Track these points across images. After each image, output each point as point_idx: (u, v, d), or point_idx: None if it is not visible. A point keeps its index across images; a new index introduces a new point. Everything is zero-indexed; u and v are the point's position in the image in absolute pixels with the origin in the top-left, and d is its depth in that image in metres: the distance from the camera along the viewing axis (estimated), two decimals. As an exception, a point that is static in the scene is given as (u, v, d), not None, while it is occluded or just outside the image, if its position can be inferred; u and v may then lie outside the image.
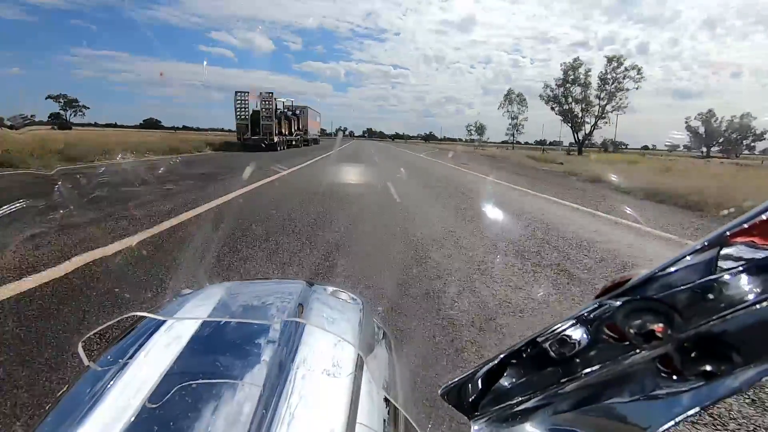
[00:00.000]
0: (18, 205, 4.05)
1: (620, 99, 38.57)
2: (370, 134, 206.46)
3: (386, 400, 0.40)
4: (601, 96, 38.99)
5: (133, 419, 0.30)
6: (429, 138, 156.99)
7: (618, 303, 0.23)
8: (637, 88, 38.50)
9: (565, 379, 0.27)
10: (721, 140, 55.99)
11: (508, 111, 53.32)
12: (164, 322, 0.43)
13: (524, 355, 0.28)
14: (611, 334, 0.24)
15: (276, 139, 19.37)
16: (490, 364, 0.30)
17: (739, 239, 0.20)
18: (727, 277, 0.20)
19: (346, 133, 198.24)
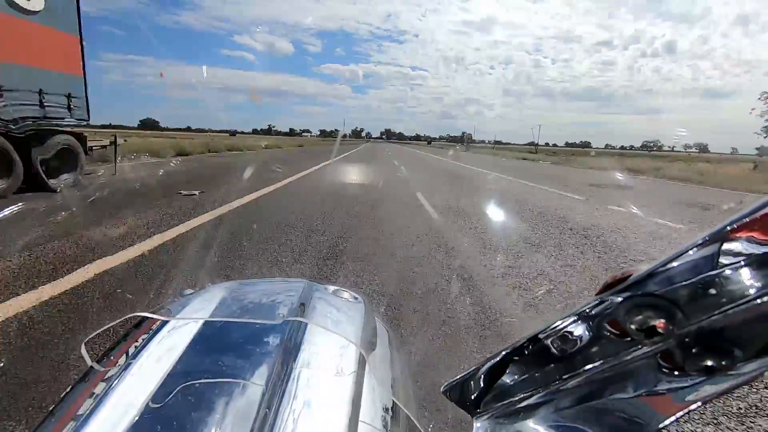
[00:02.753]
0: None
1: None
2: (389, 136, 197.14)
3: (389, 398, 0.40)
4: None
5: (136, 419, 0.30)
6: (463, 140, 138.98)
7: (619, 299, 0.23)
8: None
9: (567, 376, 0.27)
10: None
11: None
12: (167, 322, 0.43)
13: (526, 352, 0.28)
14: (613, 330, 0.24)
15: None
16: (492, 361, 0.29)
17: (740, 234, 0.20)
18: (728, 272, 0.20)
19: (363, 134, 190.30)
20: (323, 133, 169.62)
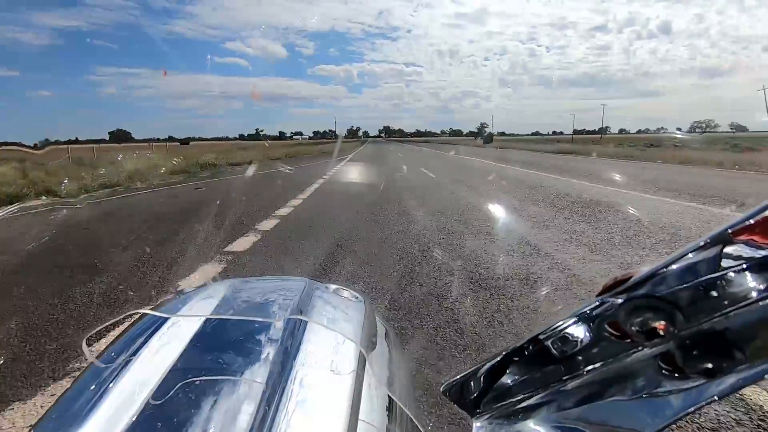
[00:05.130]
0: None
1: None
2: (387, 133, 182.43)
3: (388, 397, 0.40)
4: None
5: (136, 416, 0.30)
6: (481, 134, 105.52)
7: (620, 300, 0.23)
8: None
9: (567, 377, 0.27)
10: None
11: None
12: (167, 319, 0.43)
13: (526, 353, 0.28)
14: (613, 331, 0.24)
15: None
16: (493, 361, 0.29)
17: (741, 237, 0.20)
18: (729, 274, 0.20)
19: (359, 134, 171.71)
20: (316, 134, 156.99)
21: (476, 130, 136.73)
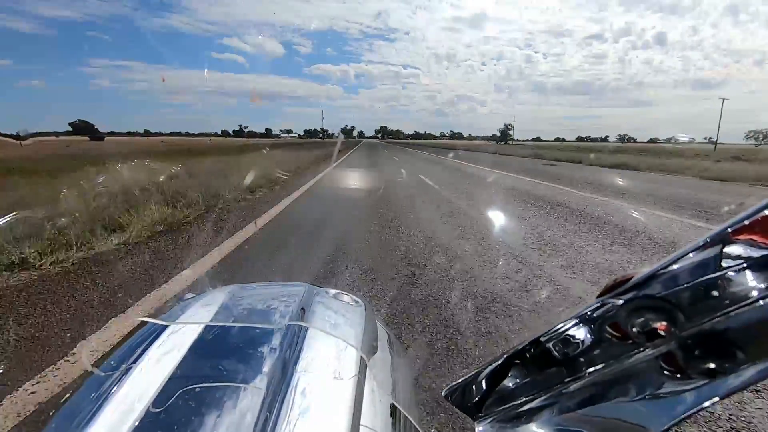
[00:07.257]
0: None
1: None
2: (384, 134, 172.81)
3: (390, 403, 0.39)
4: None
5: (136, 424, 0.30)
6: (505, 138, 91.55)
7: (620, 302, 0.23)
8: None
9: (569, 379, 0.27)
10: None
11: None
12: (167, 326, 0.43)
13: (528, 355, 0.28)
14: (614, 333, 0.24)
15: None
16: (494, 364, 0.29)
17: (741, 236, 0.20)
18: (729, 274, 0.20)
19: (354, 133, 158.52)
20: (307, 132, 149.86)
21: (499, 133, 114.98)
